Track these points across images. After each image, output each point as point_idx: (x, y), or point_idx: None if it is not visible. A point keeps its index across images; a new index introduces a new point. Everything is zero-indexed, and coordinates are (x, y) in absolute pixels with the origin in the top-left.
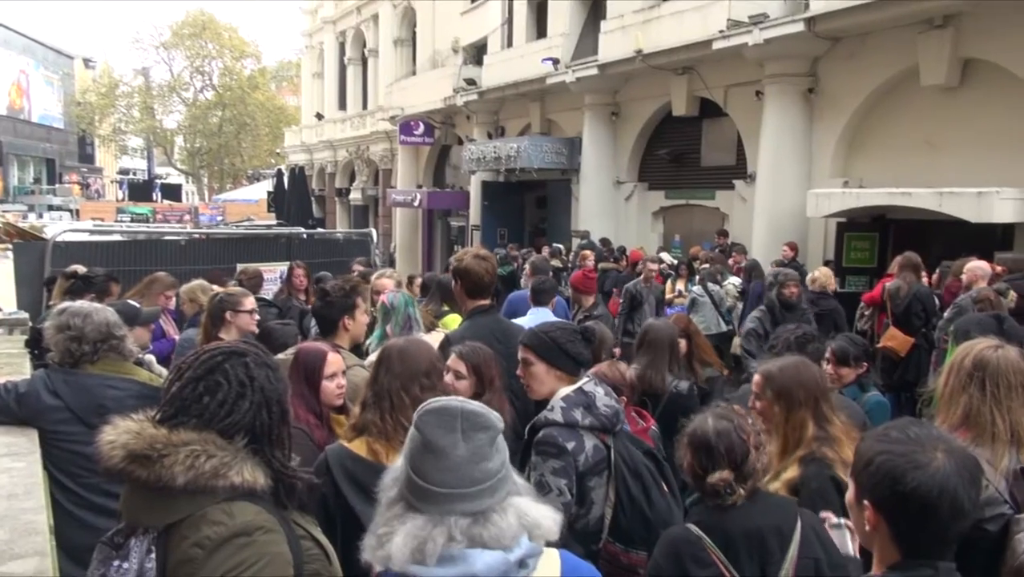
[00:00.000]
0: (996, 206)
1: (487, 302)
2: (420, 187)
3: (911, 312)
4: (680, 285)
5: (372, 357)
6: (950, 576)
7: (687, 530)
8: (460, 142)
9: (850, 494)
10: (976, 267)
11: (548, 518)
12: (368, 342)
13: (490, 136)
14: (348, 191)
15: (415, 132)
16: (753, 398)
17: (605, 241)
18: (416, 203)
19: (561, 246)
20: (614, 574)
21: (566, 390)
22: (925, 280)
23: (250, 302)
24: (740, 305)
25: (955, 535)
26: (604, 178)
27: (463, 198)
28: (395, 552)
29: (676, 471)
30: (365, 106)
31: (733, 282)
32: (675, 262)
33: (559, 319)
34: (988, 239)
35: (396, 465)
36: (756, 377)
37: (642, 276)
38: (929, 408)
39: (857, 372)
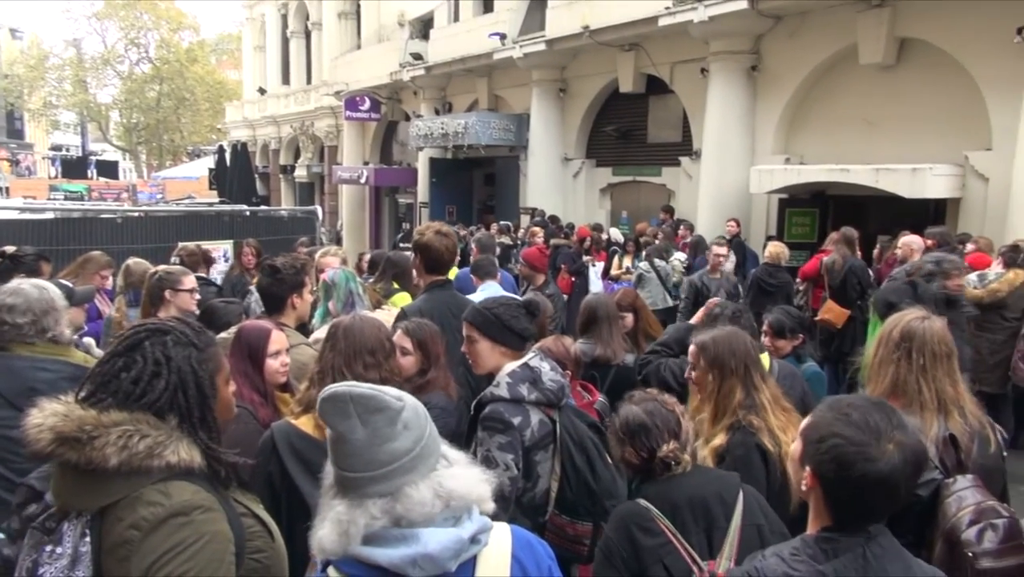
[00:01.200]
0: (929, 182)
1: (444, 278)
2: (367, 164)
3: (847, 285)
4: (627, 261)
5: (317, 334)
6: (881, 536)
7: (635, 504)
8: (407, 118)
9: (796, 450)
10: (910, 241)
11: (471, 488)
12: (312, 321)
13: (437, 112)
14: (293, 168)
15: (361, 108)
16: (689, 369)
17: (554, 218)
18: (363, 180)
19: (510, 223)
20: (561, 545)
21: (512, 365)
22: (860, 254)
23: (190, 280)
24: (686, 280)
25: (887, 513)
26: (552, 155)
27: (411, 175)
28: (324, 539)
29: None
30: (309, 81)
31: (679, 258)
32: (622, 239)
33: (506, 294)
34: (921, 214)
35: None
36: (692, 348)
37: (709, 265)
38: (858, 377)
39: (793, 344)
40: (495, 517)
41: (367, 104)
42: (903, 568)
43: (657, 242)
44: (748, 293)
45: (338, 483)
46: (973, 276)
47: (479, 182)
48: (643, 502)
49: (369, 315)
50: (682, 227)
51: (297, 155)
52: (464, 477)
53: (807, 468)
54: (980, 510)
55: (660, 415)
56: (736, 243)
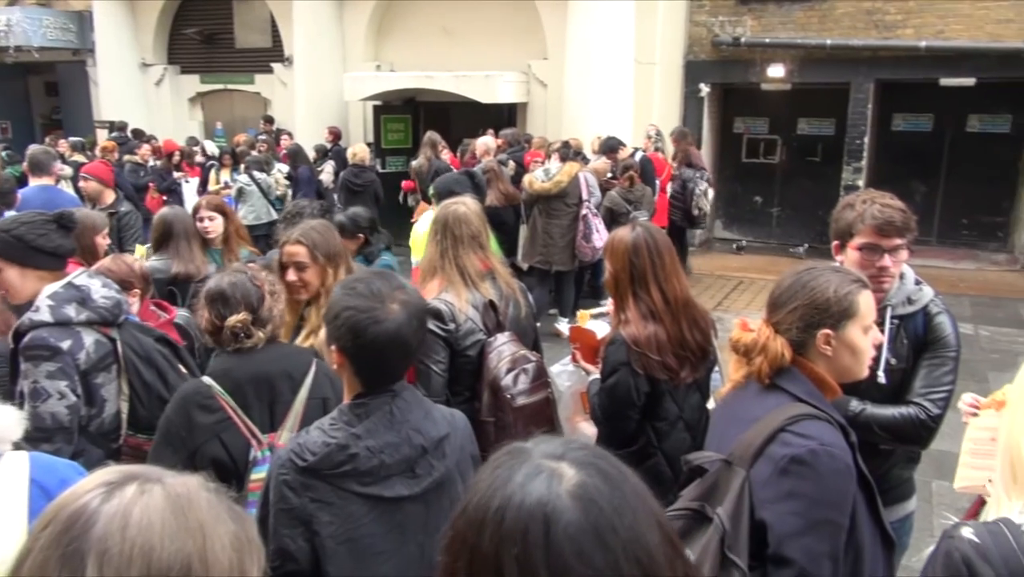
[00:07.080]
0: (500, 88)
1: None
2: None
3: None
4: (225, 175)
5: None
6: (405, 392)
7: (197, 382)
8: None
9: (322, 335)
10: (483, 142)
11: (5, 419)
12: None
13: None
14: None
15: None
16: (294, 270)
17: (138, 132)
18: None
19: (83, 139)
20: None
21: (54, 287)
22: (447, 156)
23: None
24: (290, 192)
25: (405, 368)
26: (127, 60)
27: None
28: None
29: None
30: None
31: (281, 169)
32: (217, 151)
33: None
34: (497, 117)
35: None
36: (297, 248)
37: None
38: None
39: (357, 243)
40: (59, 450)
41: None
42: (423, 414)
43: (254, 153)
44: (340, 195)
45: None
46: (539, 171)
47: (38, 92)
48: (206, 380)
49: None
50: (283, 137)
51: None
52: None
53: (333, 347)
54: (515, 359)
55: (242, 289)
56: (336, 151)
